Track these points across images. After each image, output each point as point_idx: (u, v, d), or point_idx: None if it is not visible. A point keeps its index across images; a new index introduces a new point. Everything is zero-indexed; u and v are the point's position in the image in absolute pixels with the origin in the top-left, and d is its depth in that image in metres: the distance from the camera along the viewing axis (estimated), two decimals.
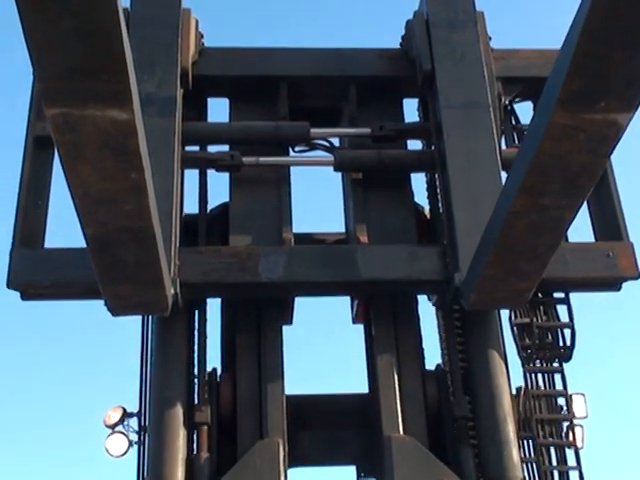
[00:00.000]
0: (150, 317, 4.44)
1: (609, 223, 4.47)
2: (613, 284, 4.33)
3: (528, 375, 4.40)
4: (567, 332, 4.49)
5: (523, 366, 4.44)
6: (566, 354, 4.39)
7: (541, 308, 4.49)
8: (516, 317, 4.47)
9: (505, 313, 4.47)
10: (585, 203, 4.54)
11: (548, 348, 4.44)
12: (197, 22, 4.78)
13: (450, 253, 4.16)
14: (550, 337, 4.45)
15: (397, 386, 4.21)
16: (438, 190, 4.52)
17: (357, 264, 4.17)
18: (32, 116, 4.46)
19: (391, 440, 4.00)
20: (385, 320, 4.37)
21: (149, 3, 4.61)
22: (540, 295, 4.42)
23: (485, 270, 3.64)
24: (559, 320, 4.52)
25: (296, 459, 4.17)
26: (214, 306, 4.51)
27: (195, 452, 4.06)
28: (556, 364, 4.49)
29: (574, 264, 4.24)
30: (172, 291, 3.87)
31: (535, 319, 4.39)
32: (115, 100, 2.55)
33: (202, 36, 4.81)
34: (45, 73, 2.44)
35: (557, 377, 4.48)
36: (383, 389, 4.19)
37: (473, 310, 4.11)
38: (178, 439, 3.99)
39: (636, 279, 4.27)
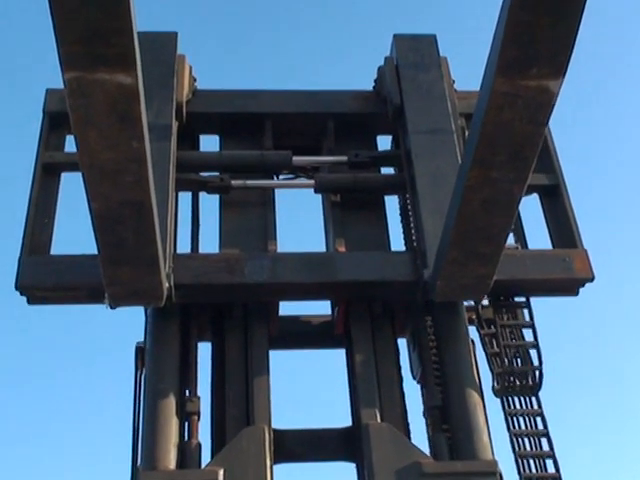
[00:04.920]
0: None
1: (564, 233, 4.93)
2: (570, 287, 4.75)
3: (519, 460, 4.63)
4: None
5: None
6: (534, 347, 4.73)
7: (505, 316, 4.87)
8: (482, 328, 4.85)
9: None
10: (542, 215, 5.06)
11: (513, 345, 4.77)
12: (191, 67, 5.37)
13: (420, 256, 4.60)
14: (514, 339, 4.81)
15: (375, 379, 4.55)
16: (409, 209, 5.01)
17: (336, 268, 4.60)
18: (41, 146, 5.00)
19: (369, 427, 4.31)
20: (363, 323, 4.74)
21: (149, 49, 5.15)
22: (502, 299, 4.82)
23: (447, 253, 4.06)
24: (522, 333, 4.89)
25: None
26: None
27: (187, 439, 4.36)
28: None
29: (533, 268, 4.67)
30: (167, 284, 4.26)
31: (499, 319, 4.76)
32: (121, 63, 2.99)
33: (195, 80, 5.38)
34: (65, 38, 2.91)
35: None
36: (361, 382, 4.53)
37: (441, 301, 4.50)
38: (171, 426, 4.28)
39: (591, 281, 4.69)
